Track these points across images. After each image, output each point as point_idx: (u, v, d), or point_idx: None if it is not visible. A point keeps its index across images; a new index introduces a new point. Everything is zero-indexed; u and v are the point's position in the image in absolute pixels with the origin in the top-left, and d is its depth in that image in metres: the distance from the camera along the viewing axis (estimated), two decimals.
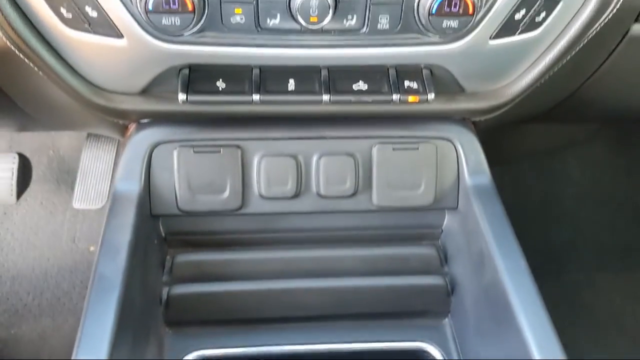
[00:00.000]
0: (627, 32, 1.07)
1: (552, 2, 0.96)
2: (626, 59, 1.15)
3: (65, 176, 2.22)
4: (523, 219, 1.29)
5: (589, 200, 2.14)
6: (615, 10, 0.98)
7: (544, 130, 1.97)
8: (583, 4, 0.98)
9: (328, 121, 1.16)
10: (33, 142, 2.25)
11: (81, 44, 0.95)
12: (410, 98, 1.03)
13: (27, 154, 1.91)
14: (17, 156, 1.82)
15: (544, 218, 2.10)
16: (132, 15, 0.90)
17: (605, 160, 2.15)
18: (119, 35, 0.93)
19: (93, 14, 0.90)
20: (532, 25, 0.98)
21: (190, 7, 0.87)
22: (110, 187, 1.78)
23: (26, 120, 1.42)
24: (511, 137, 1.81)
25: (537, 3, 0.95)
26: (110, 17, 0.90)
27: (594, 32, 1.02)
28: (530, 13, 0.96)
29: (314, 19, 0.90)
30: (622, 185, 2.14)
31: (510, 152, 1.99)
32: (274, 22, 0.93)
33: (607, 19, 1.00)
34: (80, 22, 0.92)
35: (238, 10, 0.91)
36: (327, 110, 1.07)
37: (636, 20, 1.05)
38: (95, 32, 0.93)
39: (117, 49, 0.95)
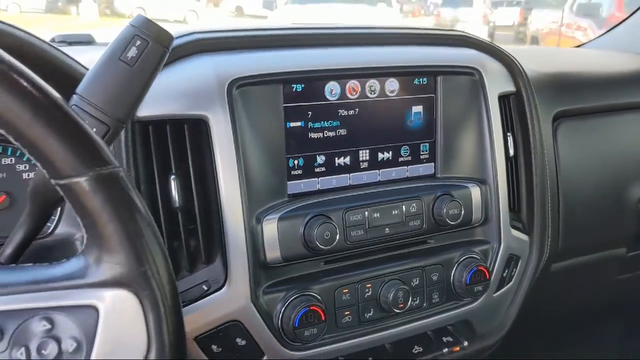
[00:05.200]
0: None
1: (515, 259, 1.44)
2: None
3: None
4: None
5: None
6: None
7: None
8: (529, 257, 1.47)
9: None
10: None
11: None
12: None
13: None
14: None
15: None
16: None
17: None
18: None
19: (242, 342, 1.10)
20: (509, 279, 1.44)
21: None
22: None
23: None
24: None
25: (513, 260, 1.42)
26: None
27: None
28: (509, 269, 1.42)
29: None
30: None
31: None
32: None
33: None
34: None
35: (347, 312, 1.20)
36: None
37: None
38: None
39: None
